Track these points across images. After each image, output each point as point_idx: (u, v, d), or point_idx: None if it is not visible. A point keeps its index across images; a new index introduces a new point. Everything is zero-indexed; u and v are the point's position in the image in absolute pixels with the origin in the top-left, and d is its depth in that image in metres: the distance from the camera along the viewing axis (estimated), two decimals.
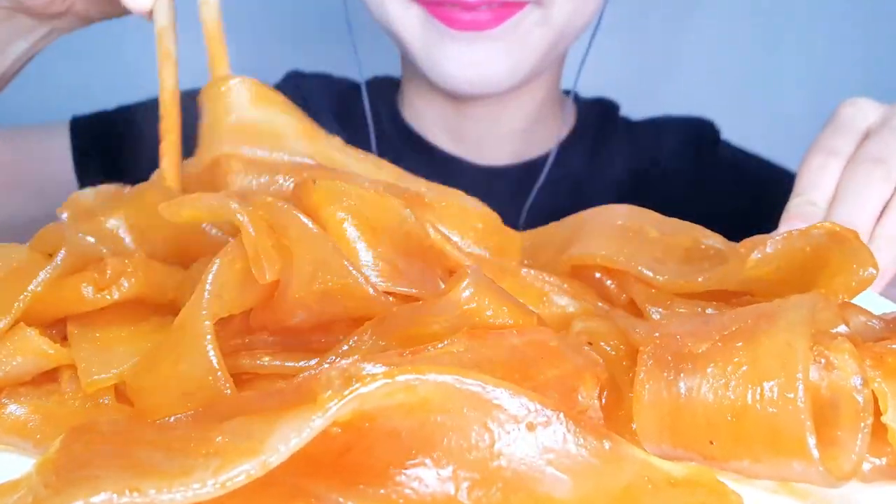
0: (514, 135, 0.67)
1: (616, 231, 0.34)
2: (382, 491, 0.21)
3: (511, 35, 0.55)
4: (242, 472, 0.19)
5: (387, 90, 0.72)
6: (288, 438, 0.19)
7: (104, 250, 0.31)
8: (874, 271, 0.28)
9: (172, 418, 0.25)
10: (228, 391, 0.25)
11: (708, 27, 1.02)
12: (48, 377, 0.29)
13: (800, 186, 0.41)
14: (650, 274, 0.31)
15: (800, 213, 0.39)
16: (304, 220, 0.27)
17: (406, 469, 0.21)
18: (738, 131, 0.76)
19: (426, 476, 0.21)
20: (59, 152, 0.65)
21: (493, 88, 0.58)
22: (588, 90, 0.75)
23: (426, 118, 0.68)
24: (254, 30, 0.93)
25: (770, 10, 1.01)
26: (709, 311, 0.30)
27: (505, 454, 0.22)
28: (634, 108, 0.76)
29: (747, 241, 0.31)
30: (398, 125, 0.70)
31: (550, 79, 0.66)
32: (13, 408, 0.27)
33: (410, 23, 0.57)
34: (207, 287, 0.26)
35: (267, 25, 0.97)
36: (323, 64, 0.75)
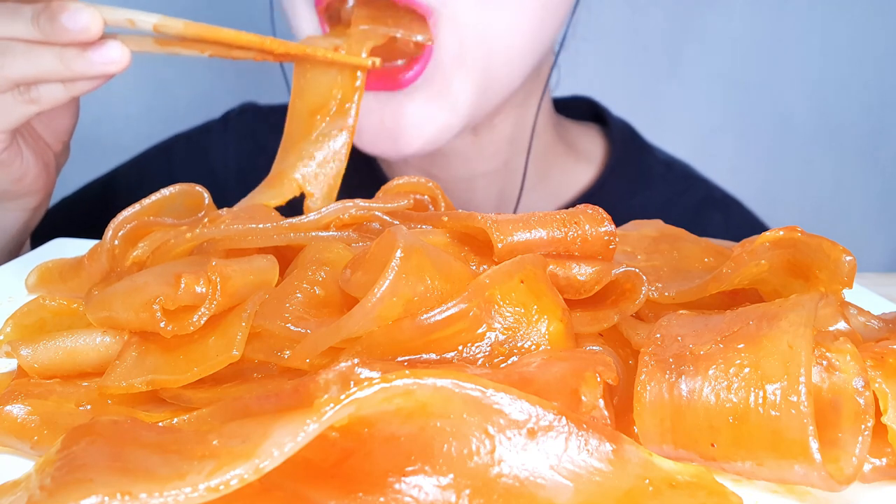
0: (487, 177, 0.63)
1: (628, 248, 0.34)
2: (382, 499, 0.20)
3: (429, 87, 0.50)
4: (235, 476, 0.18)
5: None
6: (283, 443, 0.19)
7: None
8: (851, 257, 0.28)
9: (175, 420, 0.25)
10: None
11: (708, 28, 1.02)
12: None
13: None
14: (655, 295, 0.31)
15: None
16: None
17: (405, 476, 0.21)
18: (738, 133, 0.76)
19: (426, 484, 0.21)
20: None
21: (419, 148, 0.52)
22: (586, 93, 0.74)
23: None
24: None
25: (770, 11, 1.01)
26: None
27: (506, 461, 0.21)
28: (634, 110, 0.75)
29: (745, 242, 0.31)
30: (369, 160, 0.67)
31: (520, 112, 0.61)
32: (13, 408, 0.27)
33: None
34: None
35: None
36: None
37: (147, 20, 0.39)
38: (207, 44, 0.41)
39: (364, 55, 0.44)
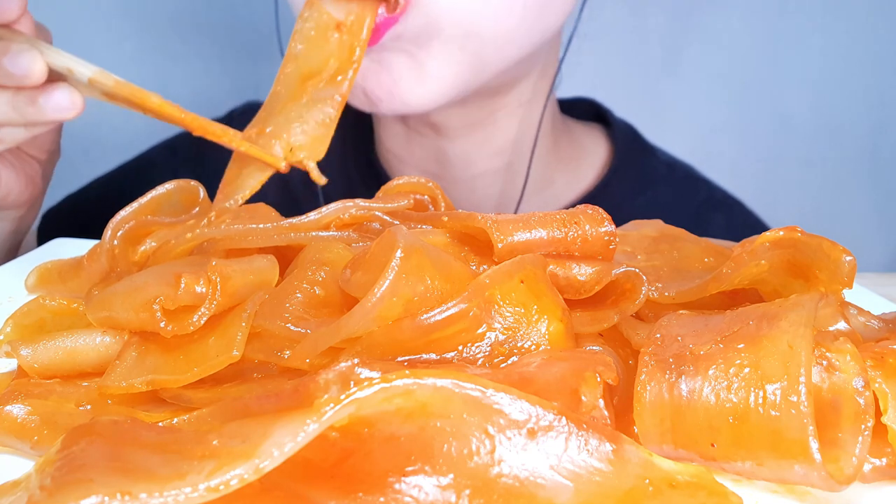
0: (489, 177, 0.63)
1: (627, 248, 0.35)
2: (382, 499, 0.20)
3: (405, 47, 0.50)
4: (235, 476, 0.18)
5: (358, 122, 0.68)
6: (283, 443, 0.19)
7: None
8: (851, 258, 0.28)
9: (175, 420, 0.25)
10: None
11: (708, 28, 1.02)
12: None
13: None
14: (655, 295, 0.31)
15: None
16: None
17: (405, 476, 0.21)
18: (738, 133, 0.75)
19: (426, 484, 0.21)
20: None
21: (402, 106, 0.52)
22: (586, 92, 0.74)
23: (394, 152, 0.65)
24: (217, 51, 0.94)
25: (770, 11, 1.01)
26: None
27: (506, 461, 0.21)
28: (634, 110, 0.75)
29: (745, 242, 0.31)
30: (370, 160, 0.67)
31: (525, 111, 0.61)
32: (13, 408, 0.27)
33: None
34: None
35: (230, 46, 0.97)
36: None
37: (83, 72, 0.38)
38: (136, 106, 0.40)
39: (279, 153, 0.43)
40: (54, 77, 0.39)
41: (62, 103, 0.38)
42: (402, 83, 0.51)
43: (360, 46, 0.44)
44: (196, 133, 0.40)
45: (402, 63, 0.50)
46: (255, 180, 0.42)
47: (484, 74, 0.53)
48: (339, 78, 0.44)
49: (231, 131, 0.42)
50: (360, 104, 0.54)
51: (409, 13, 0.47)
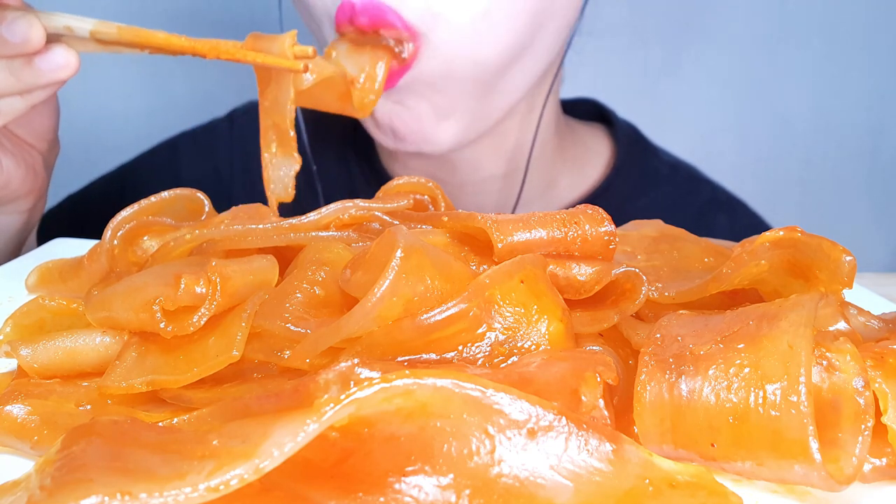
0: (495, 180, 0.64)
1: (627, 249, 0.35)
2: (382, 499, 0.20)
3: (422, 88, 0.51)
4: (235, 476, 0.18)
5: (360, 125, 0.68)
6: (283, 443, 0.19)
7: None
8: (851, 257, 0.28)
9: (175, 420, 0.25)
10: None
11: (708, 28, 1.02)
12: None
13: None
14: (655, 295, 0.31)
15: None
16: None
17: (405, 476, 0.21)
18: (738, 133, 0.75)
19: (426, 484, 0.21)
20: None
21: (426, 145, 0.54)
22: (586, 92, 0.74)
23: (401, 158, 0.65)
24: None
25: (770, 11, 1.01)
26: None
27: (506, 461, 0.21)
28: (634, 110, 0.75)
29: (745, 242, 0.31)
30: (371, 161, 0.67)
31: (528, 114, 0.61)
32: (13, 408, 0.27)
33: None
34: None
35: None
36: None
37: (83, 26, 0.39)
38: (143, 46, 0.40)
39: (298, 47, 0.43)
40: (51, 40, 0.39)
41: (58, 61, 0.38)
42: (425, 122, 0.52)
43: (376, 94, 0.46)
44: (209, 57, 0.40)
45: (422, 106, 0.51)
46: (285, 96, 0.42)
47: (499, 109, 0.55)
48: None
49: (240, 51, 0.42)
50: (386, 142, 0.55)
51: (421, 59, 0.48)
